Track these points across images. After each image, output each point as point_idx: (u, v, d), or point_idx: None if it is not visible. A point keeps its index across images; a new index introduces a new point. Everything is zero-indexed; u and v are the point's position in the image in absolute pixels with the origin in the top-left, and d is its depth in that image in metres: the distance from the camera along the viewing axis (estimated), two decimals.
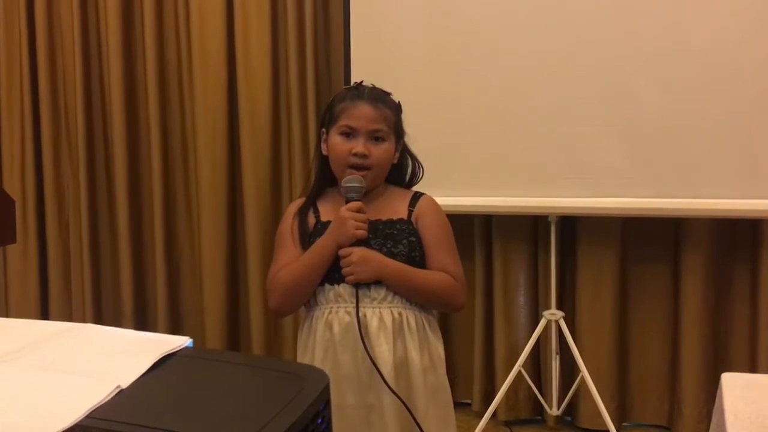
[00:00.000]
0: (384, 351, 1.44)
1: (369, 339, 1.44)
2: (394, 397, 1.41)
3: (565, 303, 2.68)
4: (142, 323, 3.18)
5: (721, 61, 2.25)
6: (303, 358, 1.53)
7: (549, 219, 2.53)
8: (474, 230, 2.78)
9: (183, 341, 0.80)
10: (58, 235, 3.26)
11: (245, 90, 2.95)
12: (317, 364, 1.48)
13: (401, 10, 2.56)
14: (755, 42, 2.21)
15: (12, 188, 3.18)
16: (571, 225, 2.66)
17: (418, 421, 1.42)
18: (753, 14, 2.21)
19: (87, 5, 3.14)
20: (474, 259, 2.78)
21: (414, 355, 1.47)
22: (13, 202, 1.48)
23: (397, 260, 1.48)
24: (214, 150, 3.01)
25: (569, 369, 2.64)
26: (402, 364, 1.46)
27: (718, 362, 2.55)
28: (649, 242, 2.61)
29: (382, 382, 1.41)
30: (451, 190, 2.41)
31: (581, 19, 2.37)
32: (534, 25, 2.42)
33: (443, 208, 1.63)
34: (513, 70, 2.44)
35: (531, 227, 2.72)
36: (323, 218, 1.55)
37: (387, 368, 1.43)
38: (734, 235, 2.51)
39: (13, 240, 1.48)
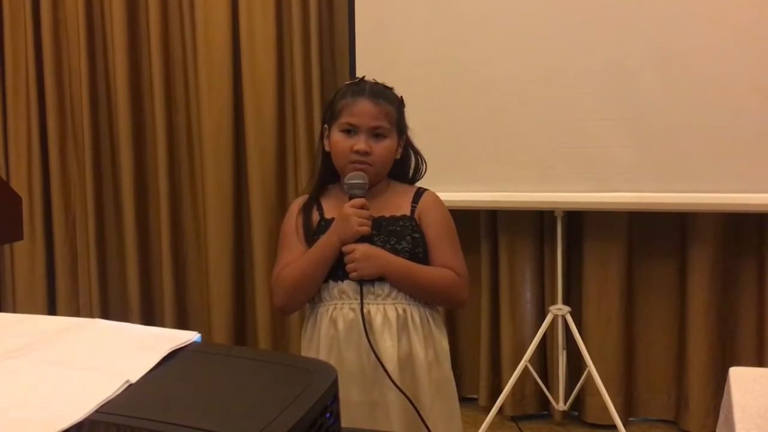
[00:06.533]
0: (388, 347, 1.44)
1: (373, 335, 1.44)
2: (399, 393, 1.41)
3: (572, 298, 2.68)
4: (149, 319, 3.19)
5: (729, 56, 2.24)
6: (307, 354, 1.53)
7: (555, 214, 2.52)
8: (480, 225, 2.78)
9: (191, 336, 0.80)
10: (64, 232, 3.27)
11: (250, 86, 2.95)
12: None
13: (406, 5, 2.56)
14: (762, 37, 2.20)
15: (19, 185, 3.19)
16: (578, 220, 2.65)
17: (424, 416, 1.42)
18: (759, 9, 2.20)
19: (92, 3, 3.15)
20: (480, 255, 2.78)
21: (419, 350, 1.47)
22: (20, 199, 1.48)
23: (400, 257, 1.48)
24: (220, 146, 3.01)
25: (576, 364, 2.64)
26: (407, 360, 1.46)
27: (725, 356, 2.55)
28: (655, 237, 2.61)
29: (387, 378, 1.41)
30: (456, 185, 2.41)
31: (588, 14, 2.36)
32: (540, 20, 2.41)
33: (449, 204, 1.62)
34: (519, 65, 2.44)
35: (537, 222, 2.72)
36: (327, 215, 1.55)
37: (391, 364, 1.43)
38: (741, 230, 2.51)
39: (21, 237, 1.48)
